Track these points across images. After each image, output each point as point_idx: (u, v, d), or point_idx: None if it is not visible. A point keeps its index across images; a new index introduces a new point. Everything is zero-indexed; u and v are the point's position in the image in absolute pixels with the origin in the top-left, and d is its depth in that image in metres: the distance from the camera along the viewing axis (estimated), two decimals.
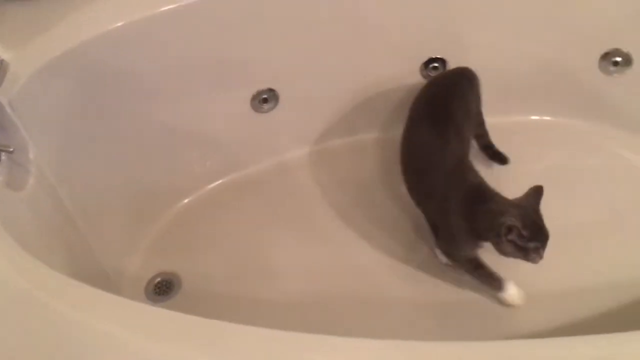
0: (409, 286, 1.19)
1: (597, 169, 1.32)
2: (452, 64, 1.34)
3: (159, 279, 1.26)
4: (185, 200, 1.38)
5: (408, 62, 1.36)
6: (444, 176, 1.10)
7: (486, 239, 1.03)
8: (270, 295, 1.21)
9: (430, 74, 1.35)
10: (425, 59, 1.34)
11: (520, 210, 0.98)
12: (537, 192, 1.01)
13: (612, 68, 1.31)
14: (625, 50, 1.29)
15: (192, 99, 1.27)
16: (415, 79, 1.36)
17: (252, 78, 1.32)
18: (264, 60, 1.28)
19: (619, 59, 1.30)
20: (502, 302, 1.11)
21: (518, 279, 1.11)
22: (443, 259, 1.18)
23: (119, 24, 1.12)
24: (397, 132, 1.23)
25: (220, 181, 1.40)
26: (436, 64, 1.35)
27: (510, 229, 0.96)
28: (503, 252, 1.00)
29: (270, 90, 1.34)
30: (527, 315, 1.10)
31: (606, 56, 1.31)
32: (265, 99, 1.35)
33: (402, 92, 1.37)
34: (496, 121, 1.32)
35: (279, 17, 1.24)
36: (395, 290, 1.19)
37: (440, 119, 1.16)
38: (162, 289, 1.25)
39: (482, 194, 1.05)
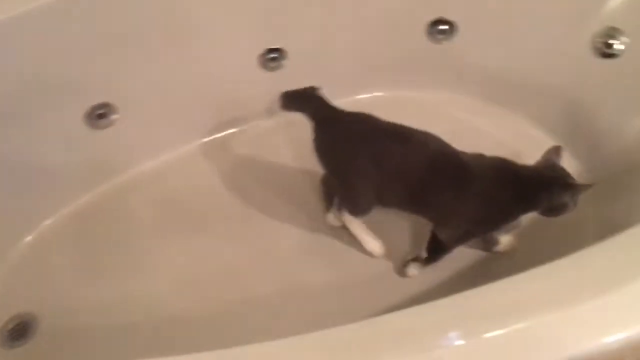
0: (330, 270, 1.20)
1: (445, 135, 1.35)
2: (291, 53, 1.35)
3: (12, 324, 1.17)
4: (30, 237, 1.28)
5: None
6: (440, 174, 1.05)
7: (535, 209, 1.03)
8: (143, 318, 1.16)
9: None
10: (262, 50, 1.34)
11: (562, 172, 1.02)
12: (557, 152, 1.05)
13: (439, 36, 1.35)
14: (450, 18, 1.34)
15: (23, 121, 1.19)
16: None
17: (84, 93, 1.25)
18: (97, 74, 1.22)
19: (445, 27, 1.34)
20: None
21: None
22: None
23: None
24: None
25: (71, 207, 1.33)
26: (275, 55, 1.35)
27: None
28: (556, 213, 1.01)
29: (106, 105, 1.28)
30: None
31: (433, 25, 1.35)
32: (102, 114, 1.28)
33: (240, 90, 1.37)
34: (344, 102, 1.32)
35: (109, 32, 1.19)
36: (312, 276, 1.19)
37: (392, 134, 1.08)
38: (18, 333, 1.16)
39: (510, 168, 1.04)
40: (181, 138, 1.40)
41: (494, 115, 1.40)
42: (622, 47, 1.20)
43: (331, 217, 1.23)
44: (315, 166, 1.12)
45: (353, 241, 1.21)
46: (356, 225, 1.19)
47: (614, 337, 0.67)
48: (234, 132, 1.43)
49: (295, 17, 1.32)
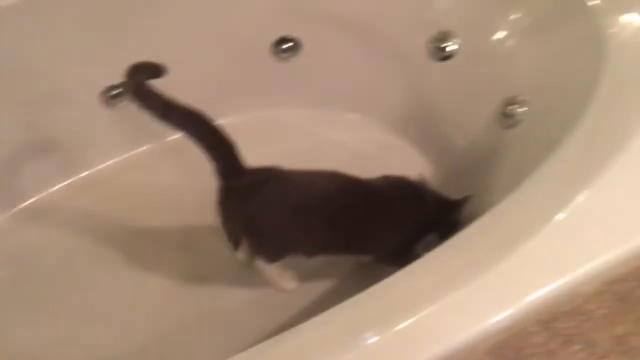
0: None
1: (309, 151, 1.36)
2: None
3: None
4: None
5: None
6: (358, 206, 1.04)
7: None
8: None
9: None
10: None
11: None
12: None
13: (284, 54, 1.36)
14: (295, 36, 1.35)
15: None
16: None
17: None
18: None
19: (290, 44, 1.36)
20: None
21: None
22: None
23: None
24: None
25: None
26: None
27: None
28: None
29: None
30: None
31: (277, 44, 1.36)
32: None
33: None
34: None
35: None
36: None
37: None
38: None
39: (416, 187, 1.07)
40: None
41: (351, 124, 1.43)
42: (455, 47, 1.27)
43: (241, 255, 1.16)
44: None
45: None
46: (269, 268, 1.13)
47: (499, 316, 0.69)
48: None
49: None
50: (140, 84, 0.96)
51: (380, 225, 1.05)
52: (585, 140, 0.85)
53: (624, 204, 0.77)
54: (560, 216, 0.75)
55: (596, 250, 0.73)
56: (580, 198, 0.76)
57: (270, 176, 1.03)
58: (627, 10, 1.00)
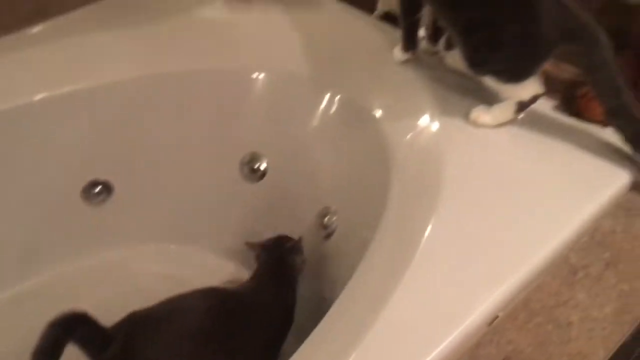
0: None
1: (141, 290, 1.29)
2: None
3: None
4: None
5: None
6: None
7: None
8: None
9: None
10: None
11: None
12: None
13: (97, 198, 1.33)
14: (103, 179, 1.32)
15: None
16: None
17: None
18: None
19: (99, 187, 1.32)
20: None
21: None
22: None
23: None
24: None
25: None
26: None
27: None
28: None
29: None
30: None
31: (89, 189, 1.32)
32: None
33: None
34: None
35: None
36: None
37: None
38: None
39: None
40: None
41: (179, 255, 1.40)
42: (265, 166, 1.33)
43: None
44: None
45: None
46: None
47: None
48: None
49: None
50: None
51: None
52: (390, 240, 0.91)
53: (422, 309, 0.80)
54: (374, 329, 0.76)
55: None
56: (388, 309, 0.79)
57: (135, 327, 0.98)
58: (406, 117, 1.12)
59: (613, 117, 0.99)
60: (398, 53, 1.21)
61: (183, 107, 1.30)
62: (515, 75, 1.02)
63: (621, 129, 0.98)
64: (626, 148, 0.99)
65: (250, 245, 1.22)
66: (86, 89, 1.23)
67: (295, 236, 1.22)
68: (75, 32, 1.30)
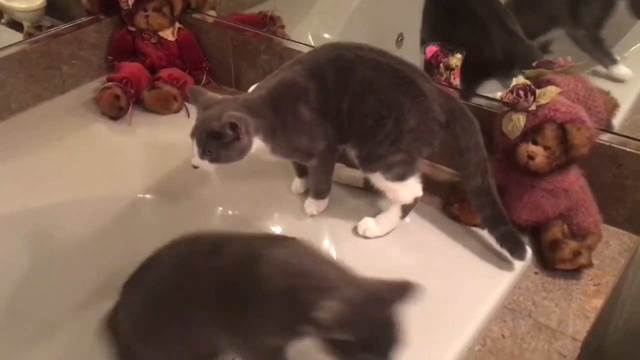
0: None
1: None
2: None
3: None
4: None
5: None
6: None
7: None
8: None
9: None
10: None
11: None
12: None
13: None
14: None
15: None
16: None
17: None
18: None
19: None
20: None
21: None
22: None
23: None
24: None
25: None
26: None
27: None
28: None
29: None
30: None
31: None
32: None
33: None
34: None
35: None
36: None
37: None
38: None
39: None
40: None
41: None
42: None
43: None
44: None
45: None
46: None
47: None
48: None
49: None
50: None
51: None
52: None
53: None
54: None
55: None
56: None
57: None
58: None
59: (477, 197, 1.05)
60: (296, 185, 1.22)
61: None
62: (406, 167, 1.07)
63: (484, 212, 1.05)
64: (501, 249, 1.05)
65: None
66: None
67: None
68: None
